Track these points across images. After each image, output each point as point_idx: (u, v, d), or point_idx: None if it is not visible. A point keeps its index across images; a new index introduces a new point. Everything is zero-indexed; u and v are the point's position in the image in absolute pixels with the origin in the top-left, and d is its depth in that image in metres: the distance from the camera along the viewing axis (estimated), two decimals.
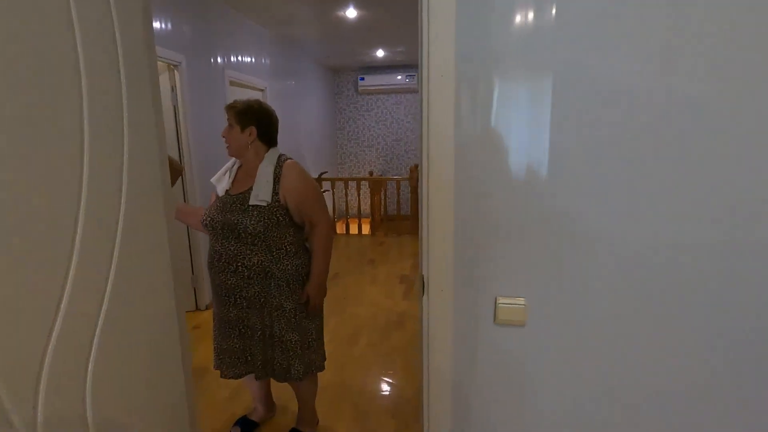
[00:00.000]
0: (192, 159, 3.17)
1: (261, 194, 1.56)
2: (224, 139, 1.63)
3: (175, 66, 3.00)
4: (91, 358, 0.72)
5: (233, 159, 1.71)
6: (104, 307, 0.74)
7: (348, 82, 7.27)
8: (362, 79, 6.98)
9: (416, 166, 6.04)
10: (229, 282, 1.59)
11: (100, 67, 0.74)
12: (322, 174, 5.90)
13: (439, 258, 1.03)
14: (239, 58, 3.94)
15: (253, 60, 4.25)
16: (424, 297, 1.07)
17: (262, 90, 4.42)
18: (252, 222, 1.53)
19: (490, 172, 0.99)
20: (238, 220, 1.54)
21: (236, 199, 1.59)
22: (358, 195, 5.97)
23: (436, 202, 1.01)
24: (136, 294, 0.83)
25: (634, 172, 0.93)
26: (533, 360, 1.05)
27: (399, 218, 5.91)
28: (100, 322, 0.73)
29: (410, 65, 6.90)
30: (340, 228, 6.23)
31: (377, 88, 6.99)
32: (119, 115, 0.79)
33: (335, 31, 4.77)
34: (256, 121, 1.60)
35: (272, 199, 1.56)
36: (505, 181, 0.98)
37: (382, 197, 6.39)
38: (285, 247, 1.60)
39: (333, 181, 5.97)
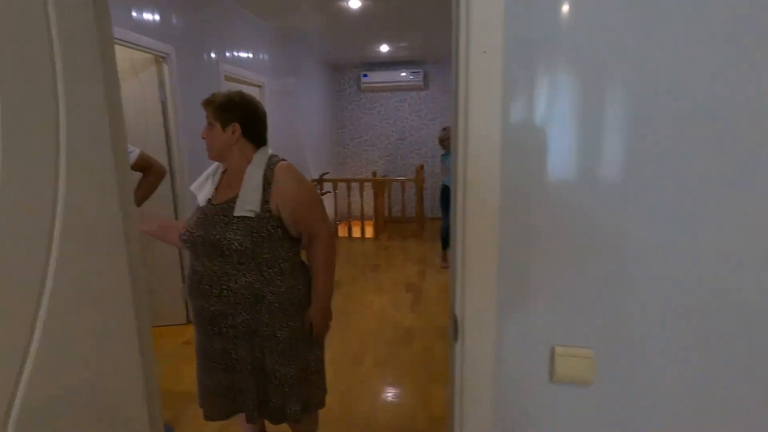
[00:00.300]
0: (183, 161, 2.92)
1: (248, 203, 1.30)
2: (204, 140, 1.38)
3: (162, 58, 2.75)
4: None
5: (216, 163, 1.46)
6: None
7: (350, 80, 7.00)
8: (365, 76, 6.71)
9: (422, 167, 5.77)
10: (213, 308, 1.33)
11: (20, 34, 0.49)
12: (323, 175, 5.65)
13: (478, 294, 0.77)
14: (235, 51, 3.69)
15: (251, 54, 3.99)
16: (458, 344, 0.82)
17: (259, 86, 4.17)
18: (238, 236, 1.28)
19: (549, 186, 0.73)
20: (221, 234, 1.29)
21: (219, 209, 1.34)
22: (361, 197, 5.72)
23: (475, 223, 0.75)
24: (73, 309, 0.60)
25: (742, 196, 0.67)
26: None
27: (404, 221, 5.66)
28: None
29: (414, 61, 6.64)
30: (342, 231, 5.98)
31: (380, 85, 6.72)
32: (50, 91, 0.57)
33: (337, 24, 4.51)
34: (240, 117, 1.35)
35: (262, 209, 1.31)
36: (569, 197, 0.73)
37: (386, 199, 6.14)
38: (278, 264, 1.35)
39: (335, 182, 5.72)
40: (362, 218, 5.84)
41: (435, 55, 6.22)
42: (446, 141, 4.21)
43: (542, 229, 0.74)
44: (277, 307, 1.35)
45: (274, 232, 1.33)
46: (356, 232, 5.90)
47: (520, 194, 0.74)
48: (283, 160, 1.41)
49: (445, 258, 4.43)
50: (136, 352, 0.75)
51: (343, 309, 3.23)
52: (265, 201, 1.31)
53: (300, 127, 5.33)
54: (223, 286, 1.31)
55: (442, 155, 4.43)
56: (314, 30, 4.82)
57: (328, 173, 5.95)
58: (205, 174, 1.47)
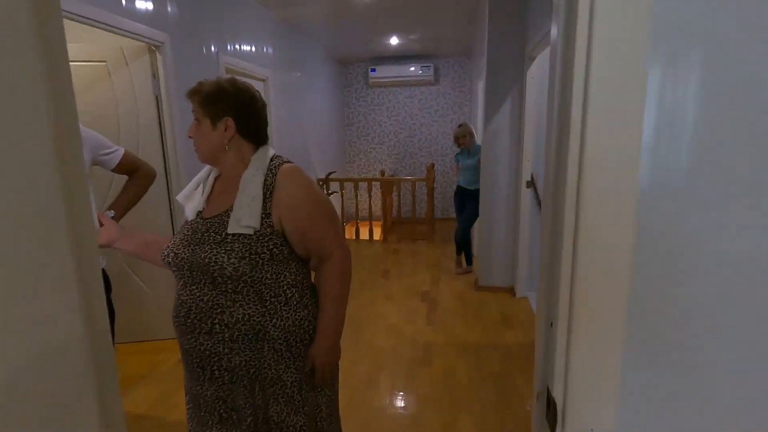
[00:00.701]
0: (179, 161, 2.66)
1: (245, 217, 1.04)
2: (192, 140, 1.12)
3: (156, 47, 2.49)
4: None
5: (208, 167, 1.20)
6: None
7: (358, 74, 6.72)
8: (373, 70, 6.44)
9: (432, 165, 5.49)
10: (203, 346, 1.07)
11: None
12: (330, 174, 5.39)
13: (591, 365, 0.51)
14: (237, 41, 3.43)
15: (254, 46, 3.73)
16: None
17: (263, 80, 3.91)
18: (233, 259, 1.02)
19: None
20: (211, 256, 1.02)
21: (210, 225, 1.07)
22: (369, 197, 5.45)
23: (594, 277, 0.49)
24: None
25: None
26: None
27: (414, 222, 5.39)
28: None
29: (425, 55, 6.35)
30: (349, 232, 5.72)
31: (389, 80, 6.44)
32: None
33: (345, 14, 4.24)
34: (233, 109, 1.08)
35: (262, 224, 1.05)
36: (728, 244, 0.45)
37: (396, 199, 5.87)
38: (283, 292, 1.09)
39: (342, 181, 5.46)
40: (370, 219, 5.57)
41: (446, 48, 5.93)
42: (461, 139, 3.94)
43: (702, 282, 0.47)
44: (282, 345, 1.09)
45: (279, 252, 1.07)
46: (363, 234, 5.64)
47: (665, 233, 0.47)
48: (287, 161, 1.14)
49: (459, 263, 4.16)
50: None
51: (354, 322, 2.97)
52: (266, 213, 1.05)
53: (306, 124, 5.07)
54: (216, 320, 1.05)
55: (457, 154, 4.16)
56: (321, 21, 4.55)
57: (334, 172, 5.69)
58: (194, 180, 1.21)
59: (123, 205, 1.54)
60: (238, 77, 1.15)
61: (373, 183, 5.77)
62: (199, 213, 1.14)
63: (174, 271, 1.10)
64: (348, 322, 1.26)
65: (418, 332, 2.87)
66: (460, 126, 3.98)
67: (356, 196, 5.48)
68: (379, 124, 6.80)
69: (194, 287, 1.06)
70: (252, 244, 1.03)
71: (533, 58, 3.10)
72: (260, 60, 3.85)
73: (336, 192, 5.49)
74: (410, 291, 3.65)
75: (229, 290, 1.04)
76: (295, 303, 1.11)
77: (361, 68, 6.67)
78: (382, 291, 3.66)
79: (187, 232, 1.10)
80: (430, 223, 5.49)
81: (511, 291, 3.54)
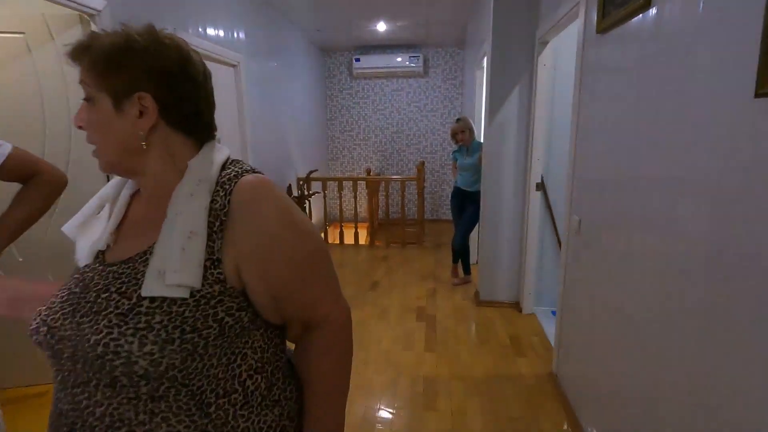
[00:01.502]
0: None
1: (174, 268, 0.59)
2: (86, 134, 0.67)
3: (91, 16, 1.98)
4: None
5: (117, 178, 0.74)
6: None
7: (341, 64, 6.24)
8: (358, 60, 5.96)
9: (422, 164, 5.09)
10: None
11: None
12: (311, 173, 4.91)
13: None
14: (201, 20, 2.92)
15: (223, 28, 3.22)
16: None
17: (234, 66, 3.41)
18: (150, 346, 0.56)
19: None
20: (110, 340, 0.57)
21: (115, 278, 0.62)
22: (355, 197, 5.00)
23: None
24: None
25: None
26: None
27: (402, 223, 4.97)
28: None
29: (413, 44, 5.92)
30: (332, 236, 5.27)
31: (375, 71, 5.98)
32: None
33: None
34: (153, 80, 0.63)
35: (206, 280, 0.60)
36: None
37: (383, 199, 5.44)
38: (240, 385, 0.65)
39: (324, 180, 4.99)
40: (356, 221, 5.12)
41: (437, 37, 5.51)
42: (460, 135, 3.53)
43: None
44: None
45: (234, 323, 0.62)
46: (348, 237, 5.19)
47: None
48: (251, 171, 0.69)
49: (456, 272, 3.76)
50: None
51: None
52: (213, 260, 0.61)
53: (283, 117, 4.58)
54: None
55: (454, 152, 3.75)
56: (301, 2, 4.06)
57: (316, 171, 5.21)
58: (96, 197, 0.75)
59: (8, 228, 1.06)
60: (165, 30, 0.69)
61: (359, 182, 5.32)
62: (99, 254, 0.68)
63: (48, 357, 0.64)
64: None
65: (418, 361, 2.45)
66: (458, 120, 3.57)
67: (340, 196, 5.02)
68: (364, 118, 6.34)
69: (80, 390, 0.60)
70: (186, 315, 0.58)
71: (545, 43, 2.70)
72: (230, 44, 3.34)
73: (318, 192, 5.02)
74: (404, 307, 3.23)
75: (143, 396, 0.59)
76: (258, 401, 0.67)
77: (345, 58, 6.19)
78: (373, 308, 3.23)
79: (75, 289, 0.65)
80: (420, 226, 5.09)
81: (516, 306, 3.16)
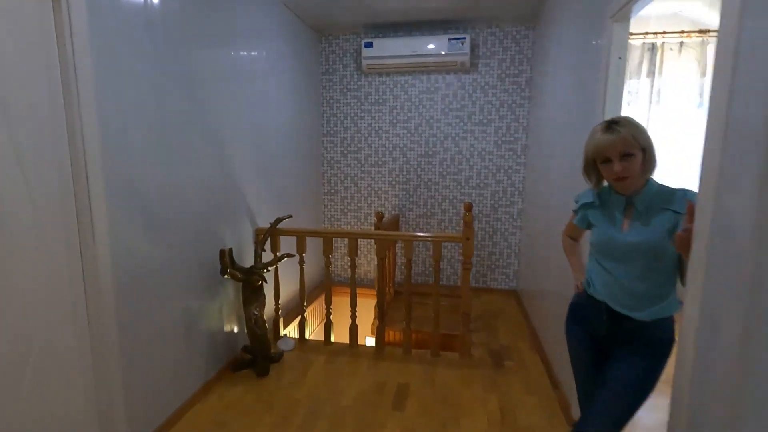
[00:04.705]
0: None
1: None
2: None
3: None
4: None
5: None
6: None
7: (344, 53, 4.20)
8: (369, 45, 3.91)
9: (470, 207, 2.87)
10: None
11: None
12: (279, 221, 2.80)
13: None
14: None
15: None
16: None
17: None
18: None
19: None
20: None
21: None
22: (353, 262, 2.84)
23: None
24: None
25: None
26: None
27: (428, 292, 2.76)
28: None
29: (454, 21, 3.84)
30: (318, 331, 3.08)
31: (395, 62, 3.90)
32: None
33: None
34: None
35: None
36: None
37: (395, 265, 3.25)
38: None
39: (301, 235, 2.86)
40: (353, 305, 2.94)
41: (492, 9, 3.40)
42: (619, 162, 1.32)
43: None
44: None
45: None
46: (341, 332, 3.02)
47: None
48: None
49: None
50: None
51: None
52: None
53: (258, 130, 2.50)
54: None
55: (584, 204, 1.54)
56: None
57: (289, 217, 3.08)
58: None
59: None
60: None
61: (362, 240, 3.16)
62: None
63: None
64: None
65: None
66: (610, 127, 1.34)
67: (327, 257, 2.88)
68: (376, 132, 4.23)
69: None
70: None
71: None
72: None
73: (293, 255, 2.86)
74: None
75: None
76: None
77: (350, 43, 4.15)
78: None
79: None
80: (465, 322, 2.84)
81: None
